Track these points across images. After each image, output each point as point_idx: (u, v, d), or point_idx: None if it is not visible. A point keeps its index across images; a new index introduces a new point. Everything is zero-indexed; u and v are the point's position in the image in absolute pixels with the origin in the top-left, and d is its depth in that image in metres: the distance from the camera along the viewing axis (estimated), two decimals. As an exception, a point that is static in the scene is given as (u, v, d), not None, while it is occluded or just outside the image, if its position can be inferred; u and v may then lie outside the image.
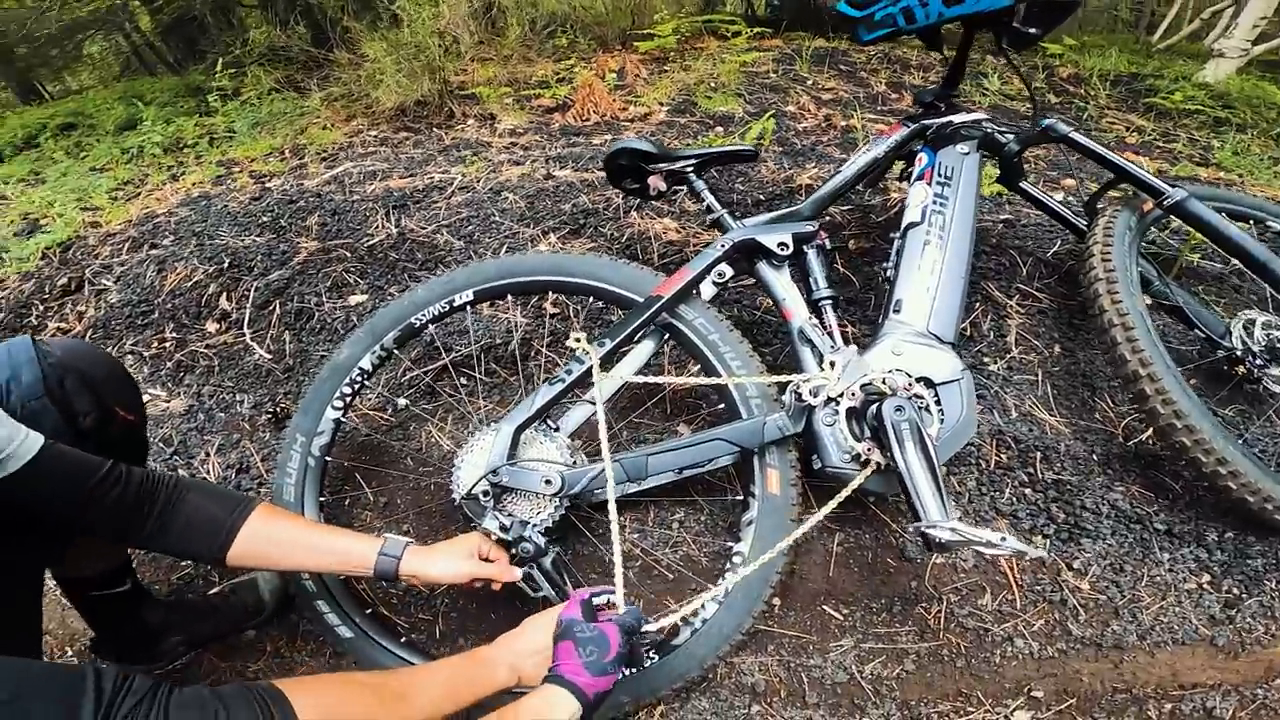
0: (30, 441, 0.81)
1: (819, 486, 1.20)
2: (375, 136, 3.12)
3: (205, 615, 1.23)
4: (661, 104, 3.03)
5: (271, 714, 0.68)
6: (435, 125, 3.28)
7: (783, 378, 1.20)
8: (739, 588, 1.11)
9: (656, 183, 1.45)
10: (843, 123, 2.55)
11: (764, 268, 1.32)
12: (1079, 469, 1.35)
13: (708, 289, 1.32)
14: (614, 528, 1.01)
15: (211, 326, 1.64)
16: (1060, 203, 1.57)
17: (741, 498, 1.22)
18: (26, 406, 0.89)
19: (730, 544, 1.23)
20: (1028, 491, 1.33)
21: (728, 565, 1.15)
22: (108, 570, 1.12)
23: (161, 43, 7.83)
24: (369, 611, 1.23)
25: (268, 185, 2.30)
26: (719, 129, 2.61)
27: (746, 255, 1.33)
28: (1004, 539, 0.94)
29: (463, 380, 1.52)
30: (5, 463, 0.78)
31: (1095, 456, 1.38)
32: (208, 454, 1.45)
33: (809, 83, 3.17)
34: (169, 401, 1.56)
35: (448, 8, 3.91)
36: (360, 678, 0.84)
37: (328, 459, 1.27)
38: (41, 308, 1.80)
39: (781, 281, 1.30)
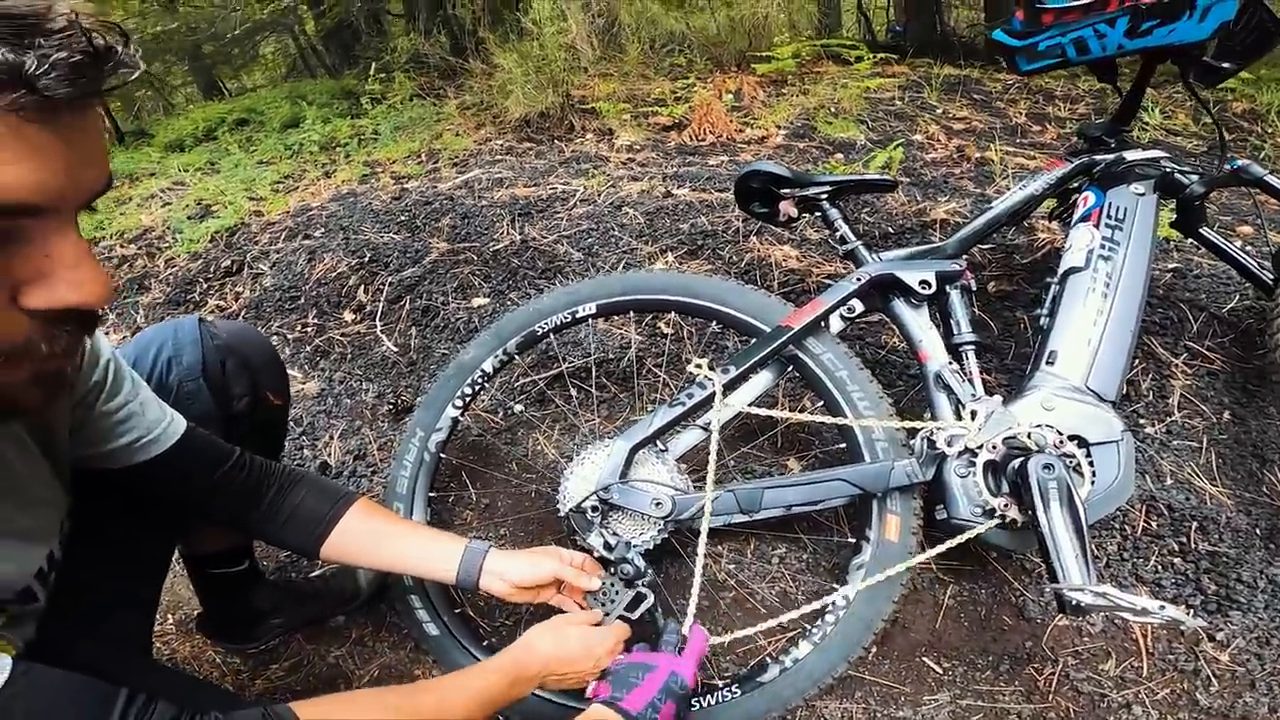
0: (175, 425, 0.82)
1: (937, 537, 1.10)
2: (502, 145, 3.22)
3: (306, 599, 1.24)
4: (779, 127, 2.95)
5: None
6: (556, 137, 3.34)
7: (916, 424, 1.09)
8: (838, 631, 1.03)
9: (788, 208, 1.37)
10: (977, 154, 2.37)
11: (900, 305, 1.21)
12: (1238, 542, 1.19)
13: (836, 323, 1.23)
14: (700, 557, 0.98)
15: (348, 316, 1.71)
16: (1242, 252, 1.36)
17: (853, 541, 1.13)
18: (183, 386, 0.91)
19: (833, 585, 1.14)
20: (1176, 561, 1.18)
21: (828, 607, 1.06)
22: (229, 549, 1.13)
23: (323, 46, 8.53)
24: (458, 611, 1.21)
25: (406, 186, 2.40)
26: (839, 155, 2.49)
27: (882, 291, 1.23)
28: (1162, 607, 0.82)
29: (573, 391, 1.49)
30: (150, 445, 0.80)
31: (1259, 530, 1.20)
32: (331, 437, 1.50)
33: (938, 111, 2.98)
34: (304, 383, 1.64)
35: (574, 23, 4.00)
36: (377, 694, 0.78)
37: (442, 455, 1.28)
38: (204, 286, 1.95)
39: (919, 322, 1.19)
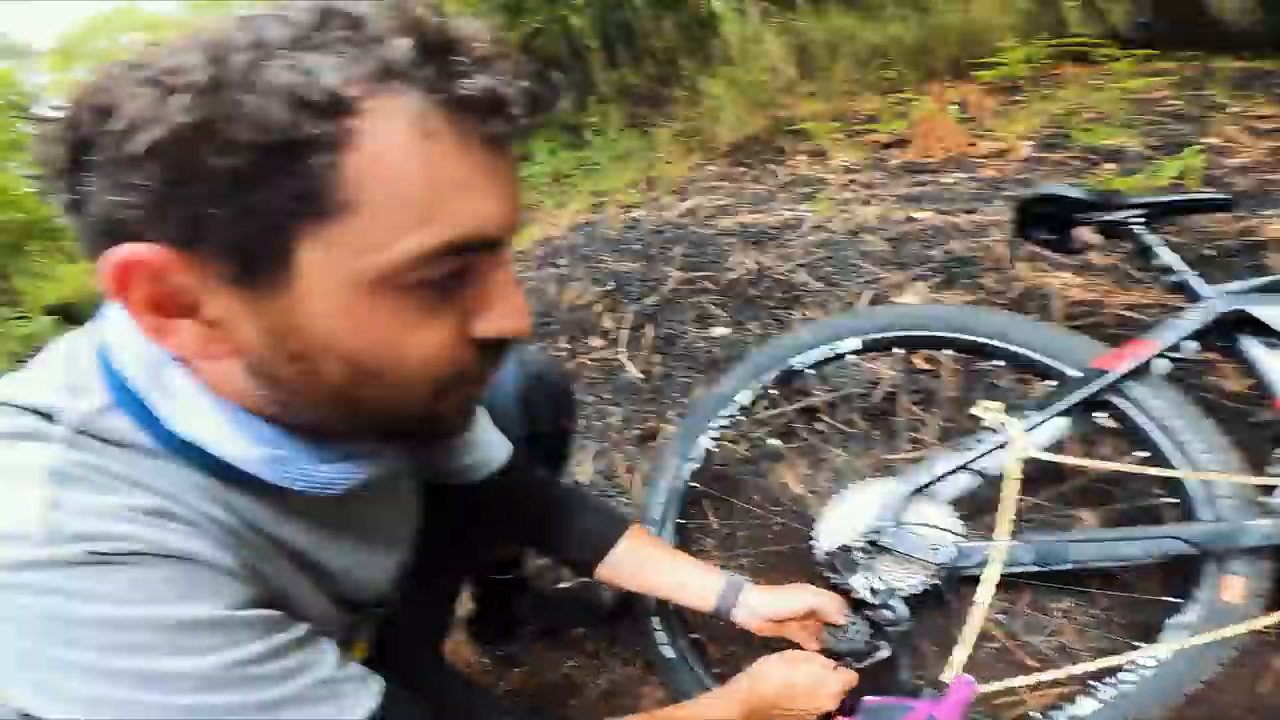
0: (505, 448, 0.90)
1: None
2: (715, 171, 3.29)
3: (556, 607, 1.31)
4: (1023, 138, 2.64)
5: None
6: (767, 161, 3.33)
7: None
8: (1140, 690, 0.91)
9: (1087, 236, 1.20)
10: (1307, 156, 1.91)
11: (1253, 345, 1.00)
12: None
13: (1161, 364, 1.05)
14: (980, 607, 0.93)
15: (595, 342, 1.85)
16: None
17: (1173, 600, 0.98)
18: (500, 409, 0.95)
19: (1130, 643, 0.99)
20: None
21: (1124, 667, 0.93)
22: (508, 559, 1.22)
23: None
24: (694, 637, 1.22)
25: (634, 215, 2.55)
26: (1110, 166, 2.16)
27: (1227, 329, 1.02)
28: None
29: (819, 426, 1.45)
30: (485, 466, 0.87)
31: None
32: (582, 459, 1.61)
33: (1233, 110, 2.46)
34: (557, 403, 1.79)
35: (771, 45, 3.99)
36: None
37: (693, 484, 1.30)
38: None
39: (1275, 364, 0.98)
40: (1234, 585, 0.92)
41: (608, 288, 1.95)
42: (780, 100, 3.81)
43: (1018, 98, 3.18)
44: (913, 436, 1.35)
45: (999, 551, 0.96)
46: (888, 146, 3.06)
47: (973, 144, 2.80)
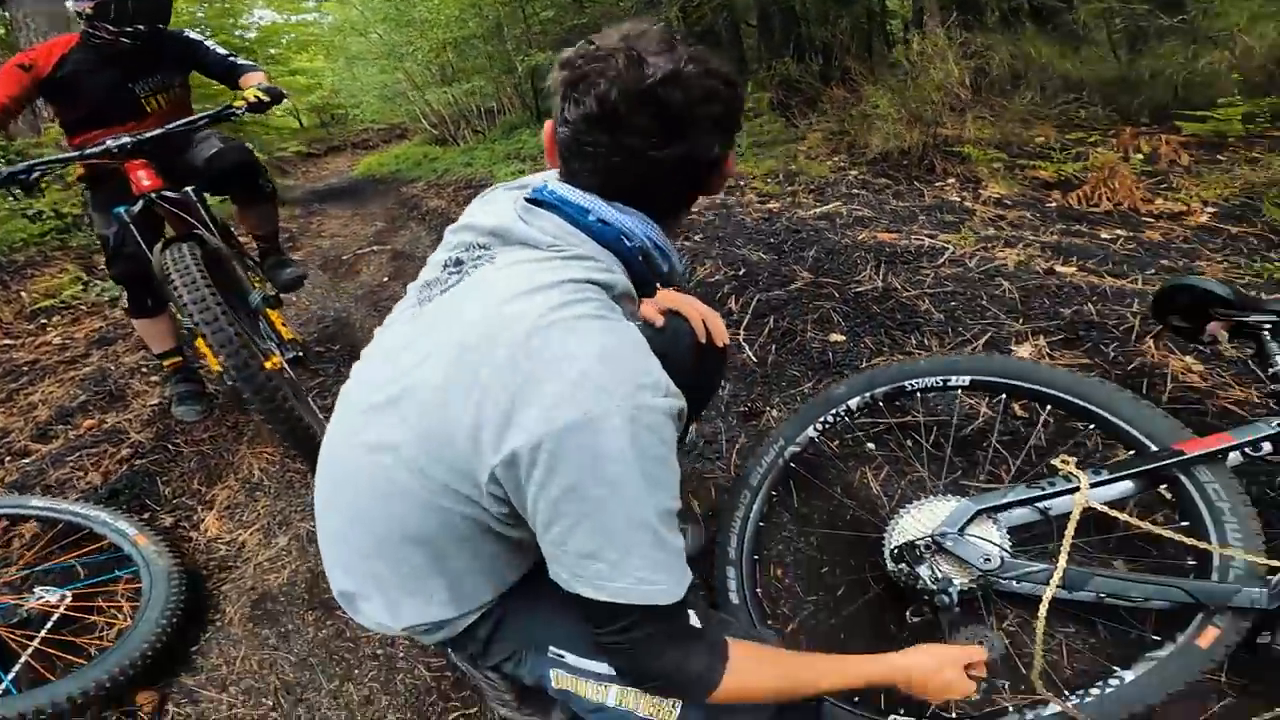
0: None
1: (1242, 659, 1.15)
2: (856, 177, 3.42)
3: None
4: (1207, 203, 2.62)
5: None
6: (915, 178, 3.42)
7: None
8: (1099, 706, 1.13)
9: (1217, 331, 1.35)
10: None
11: (1319, 461, 1.16)
12: None
13: (1234, 456, 1.22)
14: (1041, 620, 1.16)
15: (720, 320, 2.12)
16: None
17: (1156, 638, 1.20)
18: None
19: (1113, 668, 1.20)
20: None
21: (1096, 686, 1.16)
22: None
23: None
24: (758, 591, 1.48)
25: (771, 208, 2.77)
26: (1289, 255, 2.17)
27: (1304, 442, 1.18)
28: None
29: (910, 442, 1.68)
30: None
31: None
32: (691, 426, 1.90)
33: None
34: (674, 364, 2.09)
35: (954, 65, 3.97)
36: (788, 654, 0.98)
37: (791, 464, 1.57)
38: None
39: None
40: (1211, 635, 1.13)
41: (739, 273, 2.21)
42: (943, 118, 3.83)
43: (1220, 157, 3.10)
44: (990, 470, 1.56)
45: (1058, 573, 1.18)
46: (1050, 187, 3.09)
47: (1148, 200, 2.78)
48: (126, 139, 1.95)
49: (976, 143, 3.66)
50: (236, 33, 11.81)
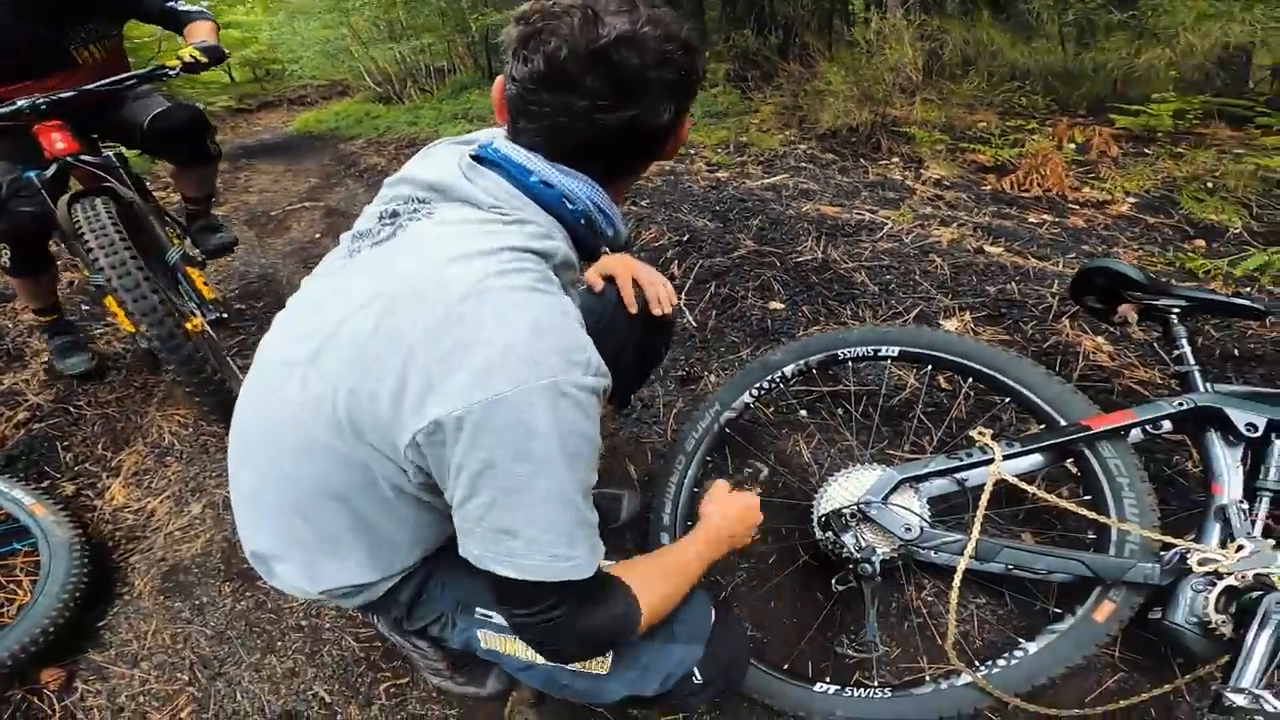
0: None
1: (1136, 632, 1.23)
2: (805, 151, 3.45)
3: None
4: (1129, 194, 2.75)
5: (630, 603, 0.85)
6: (862, 155, 3.48)
7: (1177, 541, 1.18)
8: (1001, 675, 1.20)
9: (1128, 312, 1.42)
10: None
11: (1214, 439, 1.24)
12: None
13: (1135, 434, 1.29)
14: (955, 589, 1.20)
15: (662, 288, 2.11)
16: None
17: (1057, 611, 1.28)
18: None
19: (1017, 639, 1.28)
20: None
21: (1002, 657, 1.23)
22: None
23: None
24: (690, 524, 1.49)
25: (719, 176, 2.76)
26: (1199, 243, 2.30)
27: (1200, 420, 1.26)
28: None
29: (840, 410, 1.71)
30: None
31: None
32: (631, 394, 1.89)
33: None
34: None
35: (908, 47, 4.02)
36: (647, 559, 1.01)
37: (727, 430, 1.59)
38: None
39: (1227, 458, 1.22)
40: (1106, 609, 1.20)
41: (683, 239, 2.20)
42: (893, 98, 3.88)
43: (1147, 151, 3.24)
44: (914, 440, 1.61)
45: (971, 544, 1.22)
46: (987, 171, 3.19)
47: (1075, 188, 2.90)
48: (40, 99, 1.78)
49: (923, 124, 3.73)
50: None
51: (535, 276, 0.74)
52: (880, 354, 1.48)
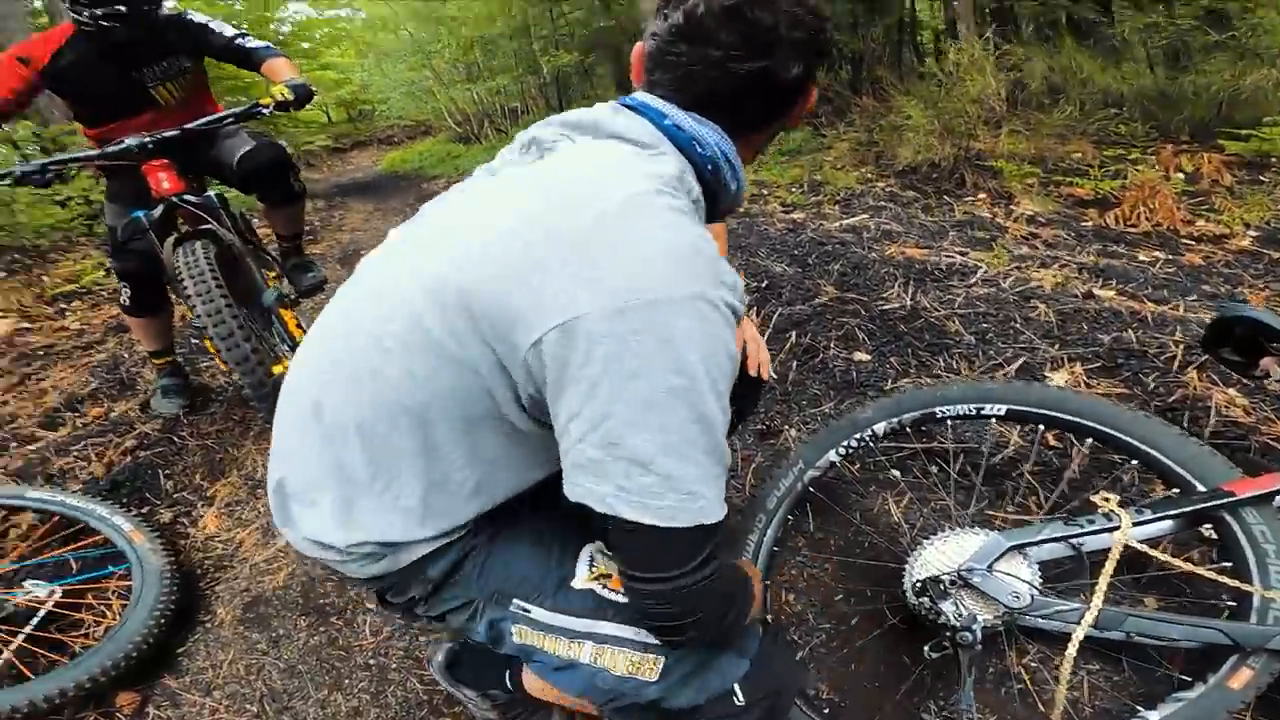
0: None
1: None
2: (884, 189, 3.35)
3: None
4: (1249, 226, 2.52)
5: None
6: (945, 191, 3.35)
7: None
8: None
9: (1271, 366, 1.27)
10: None
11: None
12: None
13: (1281, 499, 1.15)
14: (1068, 661, 1.09)
15: (739, 332, 2.06)
16: None
17: (1187, 679, 1.15)
18: None
19: (1136, 707, 1.16)
20: None
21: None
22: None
23: None
24: None
25: (795, 218, 2.71)
26: (1337, 281, 2.07)
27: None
28: None
29: (934, 467, 1.60)
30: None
31: None
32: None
33: None
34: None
35: (993, 79, 3.88)
36: None
37: (810, 489, 1.51)
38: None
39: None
40: (1244, 676, 1.10)
41: (761, 285, 2.15)
42: (976, 130, 3.74)
43: (1262, 178, 2.99)
44: (1019, 501, 1.48)
45: (1092, 613, 1.11)
46: (1086, 205, 3.00)
47: (1188, 221, 2.68)
48: (147, 138, 1.90)
49: (1010, 157, 3.57)
50: (272, 26, 12.05)
51: (684, 205, 0.75)
52: (983, 412, 1.37)
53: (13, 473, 2.09)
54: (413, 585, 0.87)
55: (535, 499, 0.88)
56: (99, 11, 1.91)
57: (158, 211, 1.93)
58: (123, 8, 1.93)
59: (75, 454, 2.12)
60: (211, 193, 2.05)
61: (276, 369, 1.79)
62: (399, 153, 13.37)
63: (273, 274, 2.33)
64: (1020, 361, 1.73)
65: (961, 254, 2.21)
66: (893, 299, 1.99)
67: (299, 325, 2.07)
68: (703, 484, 0.66)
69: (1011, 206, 3.06)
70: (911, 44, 5.59)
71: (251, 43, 2.17)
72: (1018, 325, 1.82)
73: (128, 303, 2.16)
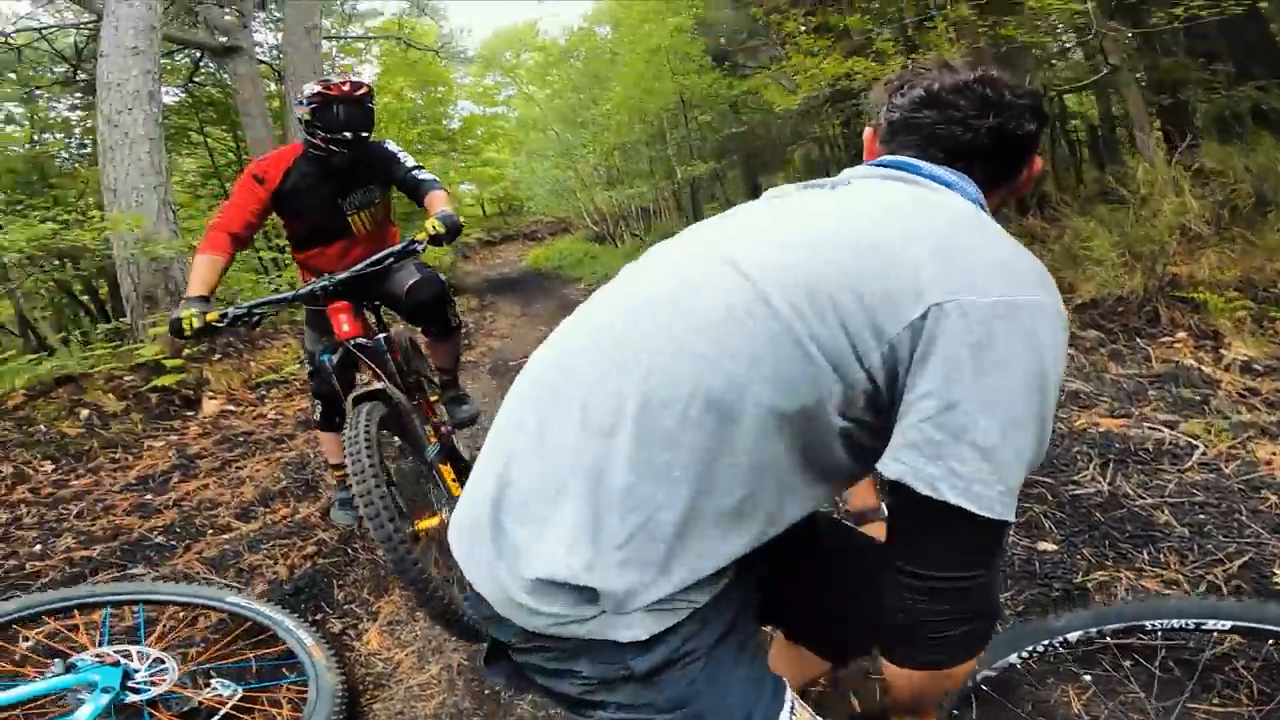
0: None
1: None
2: (1063, 328, 3.17)
3: None
4: None
5: None
6: (1135, 330, 3.12)
7: None
8: None
9: None
10: None
11: None
12: None
13: None
14: None
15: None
16: None
17: None
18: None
19: None
20: None
21: None
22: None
23: (844, 150, 9.81)
24: None
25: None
26: None
27: None
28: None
29: (1127, 662, 1.45)
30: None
31: None
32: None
33: None
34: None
35: (1192, 198, 3.63)
36: None
37: (983, 688, 1.41)
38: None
39: None
40: None
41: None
42: (1171, 253, 3.47)
43: None
44: (1224, 694, 1.30)
45: None
46: (1318, 350, 2.68)
47: None
48: (329, 281, 2.15)
49: (1213, 285, 3.27)
50: (445, 121, 14.00)
51: None
52: (1205, 628, 1.25)
53: (208, 561, 2.42)
54: (614, 662, 0.73)
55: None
56: (333, 137, 2.19)
57: (337, 355, 2.20)
58: (349, 135, 2.21)
59: (265, 552, 2.44)
60: (381, 336, 2.30)
61: (428, 522, 1.94)
62: (542, 249, 14.69)
63: (433, 431, 2.50)
64: (1244, 559, 1.55)
65: (1169, 425, 2.04)
66: (1086, 483, 1.86)
67: (456, 480, 2.25)
68: (1018, 483, 0.69)
69: (1221, 350, 2.80)
70: (1080, 152, 5.38)
71: (422, 175, 2.40)
72: (1242, 517, 1.64)
73: (318, 418, 2.49)
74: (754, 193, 10.95)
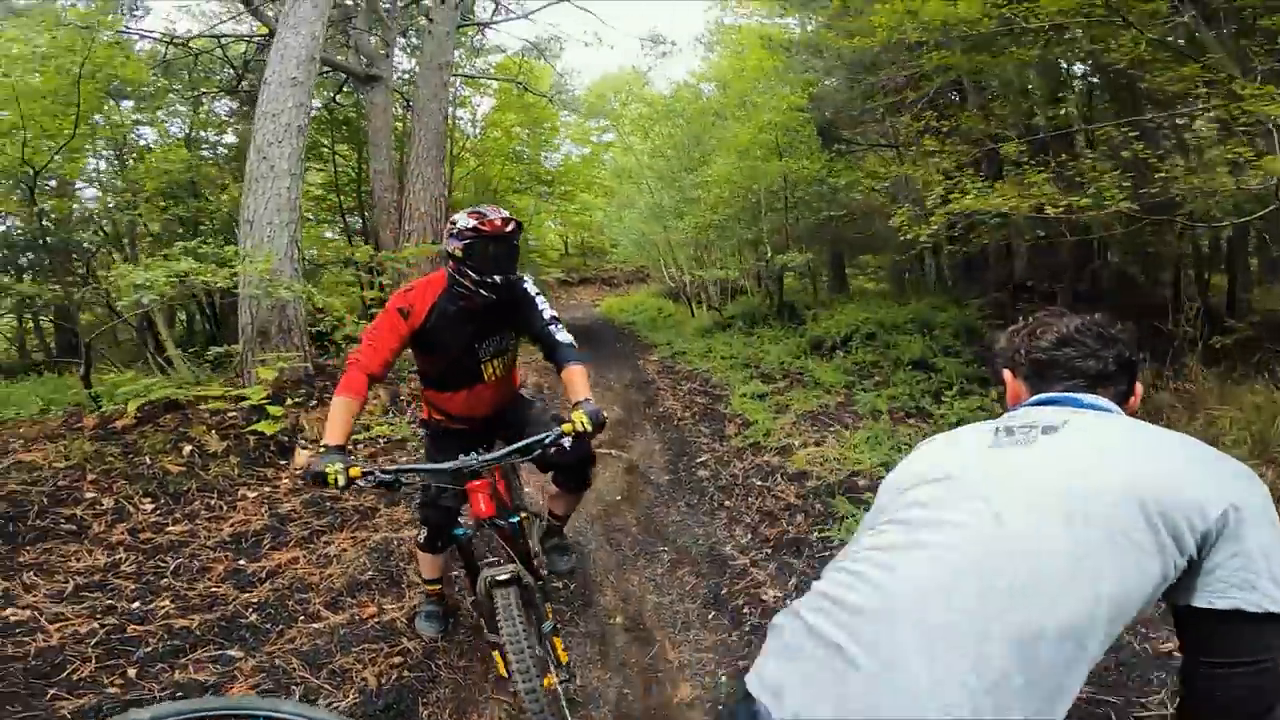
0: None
1: None
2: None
3: None
4: None
5: None
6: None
7: None
8: None
9: None
10: None
11: None
12: None
13: None
14: None
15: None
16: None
17: None
18: None
19: None
20: None
21: None
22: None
23: (948, 268, 9.81)
24: None
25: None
26: None
27: None
28: None
29: None
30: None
31: None
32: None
33: None
34: None
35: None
36: None
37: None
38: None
39: None
40: None
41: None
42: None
43: None
44: None
45: None
46: None
47: None
48: (476, 463, 2.11)
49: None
50: (544, 162, 14.59)
51: None
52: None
53: (302, 655, 2.66)
54: None
55: None
56: (483, 280, 2.19)
57: (473, 532, 2.37)
58: (498, 279, 2.21)
59: (354, 655, 2.69)
60: (515, 520, 2.30)
61: (545, 684, 2.08)
62: (616, 299, 15.06)
63: (551, 606, 2.59)
64: None
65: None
66: (1155, 707, 1.93)
67: (565, 649, 2.44)
68: None
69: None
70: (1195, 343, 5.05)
71: (561, 335, 2.36)
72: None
73: (422, 540, 2.68)
74: (839, 273, 10.94)
